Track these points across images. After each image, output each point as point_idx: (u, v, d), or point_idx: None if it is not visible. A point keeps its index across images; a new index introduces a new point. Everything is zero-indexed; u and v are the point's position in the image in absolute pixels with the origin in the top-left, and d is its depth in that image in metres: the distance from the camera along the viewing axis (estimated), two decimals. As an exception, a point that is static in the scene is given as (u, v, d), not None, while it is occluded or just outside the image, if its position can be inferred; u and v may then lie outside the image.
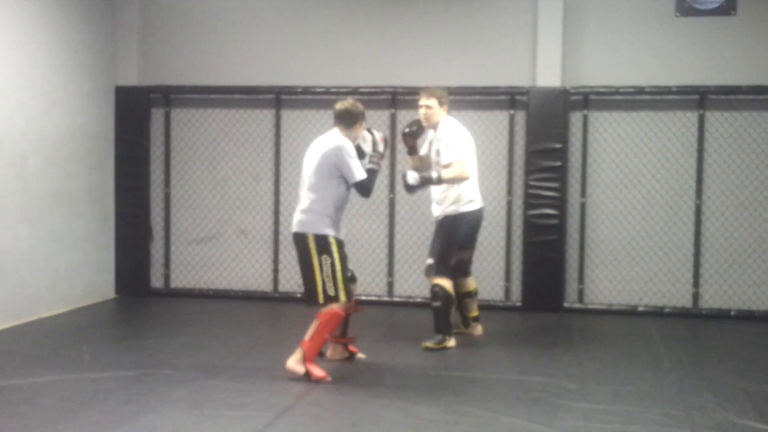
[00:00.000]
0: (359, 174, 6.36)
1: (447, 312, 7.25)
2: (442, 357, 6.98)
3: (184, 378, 6.20)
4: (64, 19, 8.88)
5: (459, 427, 5.21)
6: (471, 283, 7.76)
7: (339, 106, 6.65)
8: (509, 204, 9.34)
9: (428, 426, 5.23)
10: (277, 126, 9.68)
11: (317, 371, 6.24)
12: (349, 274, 6.62)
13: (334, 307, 6.36)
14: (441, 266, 7.28)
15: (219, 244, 9.92)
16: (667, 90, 9.01)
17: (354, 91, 9.48)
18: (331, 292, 6.36)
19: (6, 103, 7.99)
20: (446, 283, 7.25)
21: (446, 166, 7.19)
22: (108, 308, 9.34)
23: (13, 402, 5.57)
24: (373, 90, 9.49)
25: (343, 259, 6.41)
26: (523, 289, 9.27)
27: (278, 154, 9.76)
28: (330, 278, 6.36)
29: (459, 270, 7.50)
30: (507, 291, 9.39)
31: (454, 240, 7.31)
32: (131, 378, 6.24)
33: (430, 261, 7.38)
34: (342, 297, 6.36)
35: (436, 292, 7.24)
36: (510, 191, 9.33)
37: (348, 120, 6.57)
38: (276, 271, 9.78)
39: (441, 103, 7.36)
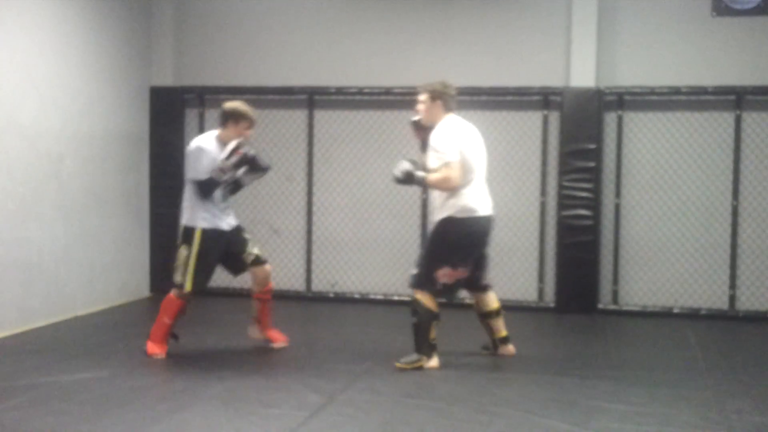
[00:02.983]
0: (191, 174, 6.70)
1: (425, 329, 6.53)
2: (476, 358, 6.96)
3: (218, 376, 6.24)
4: (99, 19, 8.97)
5: (493, 428, 5.19)
6: (492, 300, 6.95)
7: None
8: (543, 205, 9.29)
9: (462, 426, 5.22)
10: (310, 126, 9.71)
11: (154, 348, 6.84)
12: (252, 257, 6.99)
13: (175, 293, 6.85)
14: (422, 278, 6.55)
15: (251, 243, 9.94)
16: (703, 90, 8.92)
17: (387, 92, 9.50)
18: (178, 279, 6.81)
19: (43, 103, 8.07)
20: (425, 298, 6.50)
21: (433, 171, 6.48)
22: (143, 307, 9.40)
23: (50, 399, 5.63)
24: (405, 90, 9.48)
25: (201, 252, 6.73)
26: (556, 290, 9.22)
27: (311, 154, 9.78)
28: (182, 266, 6.79)
29: (453, 288, 6.67)
30: (540, 292, 9.34)
31: (439, 250, 6.52)
32: (166, 376, 6.29)
33: (413, 271, 6.67)
34: (187, 287, 6.76)
35: (413, 308, 6.56)
36: (543, 192, 9.28)
37: (219, 120, 6.85)
38: (309, 270, 9.80)
39: (433, 98, 6.59)
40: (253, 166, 6.76)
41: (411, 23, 9.61)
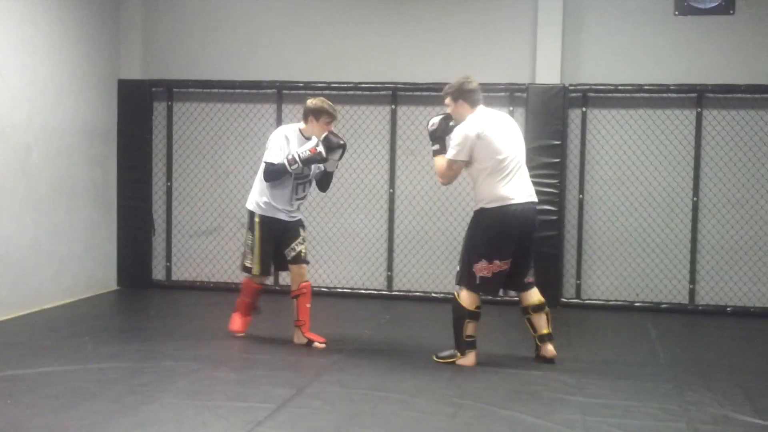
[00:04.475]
0: (267, 157, 7.00)
1: (459, 327, 6.58)
2: (441, 351, 7.02)
3: (185, 369, 6.26)
4: (68, 12, 8.93)
5: (457, 420, 5.27)
6: (532, 295, 6.76)
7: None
8: (508, 200, 9.38)
9: (427, 418, 5.29)
10: (279, 120, 9.72)
11: (234, 325, 7.44)
12: (293, 253, 7.16)
13: (248, 277, 7.34)
14: (462, 274, 6.62)
15: (220, 237, 9.99)
16: (665, 88, 9.06)
17: (355, 87, 9.55)
18: (248, 263, 7.24)
19: (10, 95, 8.04)
20: (462, 295, 6.56)
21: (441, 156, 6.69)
22: (110, 300, 9.40)
23: (17, 391, 5.63)
24: (373, 86, 9.55)
25: (263, 238, 7.09)
26: (521, 284, 9.32)
27: (279, 149, 9.80)
28: (249, 251, 7.19)
29: (494, 283, 6.60)
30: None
31: (473, 243, 6.54)
32: (133, 369, 6.30)
33: (457, 267, 6.80)
34: (255, 270, 7.19)
35: (452, 304, 6.67)
36: (509, 187, 9.37)
37: (302, 115, 7.15)
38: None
39: (455, 99, 6.65)
40: (328, 145, 6.96)
41: (378, 19, 9.66)
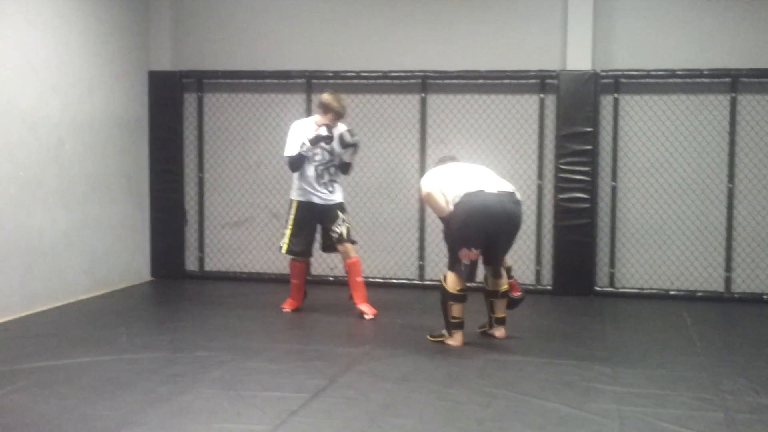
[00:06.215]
0: (285, 150, 7.79)
1: (444, 308, 6.89)
2: (474, 341, 7.02)
3: (219, 359, 6.30)
4: (98, 4, 8.98)
5: (491, 410, 5.25)
6: (502, 283, 7.17)
7: None
8: (540, 188, 9.34)
9: (460, 408, 5.28)
10: (308, 110, 9.72)
11: (284, 304, 8.15)
12: (336, 235, 7.86)
13: (291, 258, 8.06)
14: (450, 259, 6.95)
15: (252, 227, 10.02)
16: (698, 73, 8.95)
17: (384, 75, 9.53)
18: (281, 242, 8.00)
19: (42, 87, 8.10)
20: (448, 278, 6.86)
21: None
22: (144, 291, 9.47)
23: (53, 382, 5.69)
24: (403, 74, 9.52)
25: (297, 220, 7.85)
26: (554, 272, 9.29)
27: (310, 139, 9.81)
28: (284, 231, 7.95)
29: (474, 269, 6.95)
30: (538, 274, 9.41)
31: (452, 234, 6.92)
32: (167, 359, 6.35)
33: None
34: (283, 249, 7.97)
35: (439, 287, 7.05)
36: (541, 175, 9.33)
37: (317, 106, 7.92)
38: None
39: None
40: (342, 142, 7.72)
41: (408, 7, 9.62)
